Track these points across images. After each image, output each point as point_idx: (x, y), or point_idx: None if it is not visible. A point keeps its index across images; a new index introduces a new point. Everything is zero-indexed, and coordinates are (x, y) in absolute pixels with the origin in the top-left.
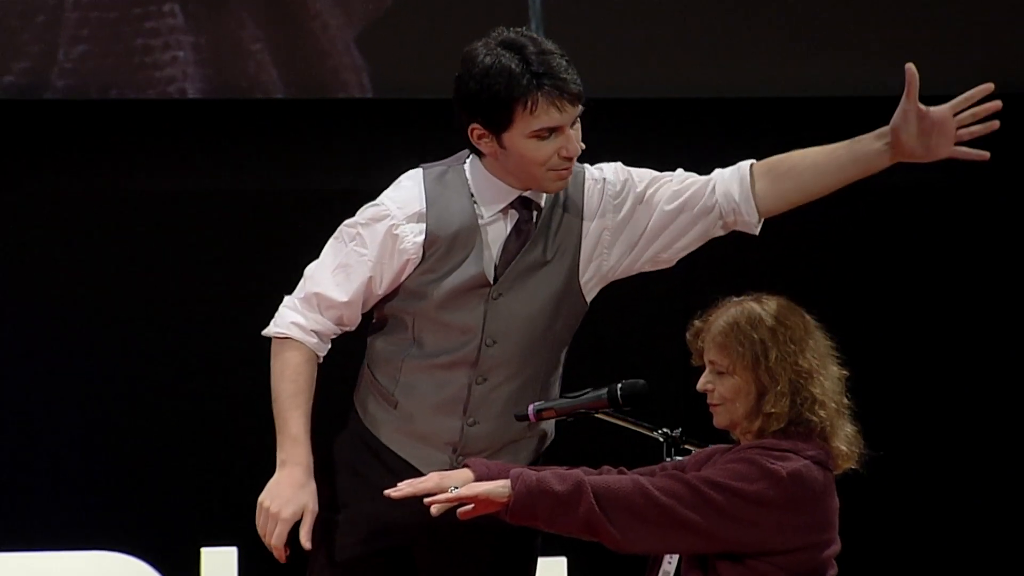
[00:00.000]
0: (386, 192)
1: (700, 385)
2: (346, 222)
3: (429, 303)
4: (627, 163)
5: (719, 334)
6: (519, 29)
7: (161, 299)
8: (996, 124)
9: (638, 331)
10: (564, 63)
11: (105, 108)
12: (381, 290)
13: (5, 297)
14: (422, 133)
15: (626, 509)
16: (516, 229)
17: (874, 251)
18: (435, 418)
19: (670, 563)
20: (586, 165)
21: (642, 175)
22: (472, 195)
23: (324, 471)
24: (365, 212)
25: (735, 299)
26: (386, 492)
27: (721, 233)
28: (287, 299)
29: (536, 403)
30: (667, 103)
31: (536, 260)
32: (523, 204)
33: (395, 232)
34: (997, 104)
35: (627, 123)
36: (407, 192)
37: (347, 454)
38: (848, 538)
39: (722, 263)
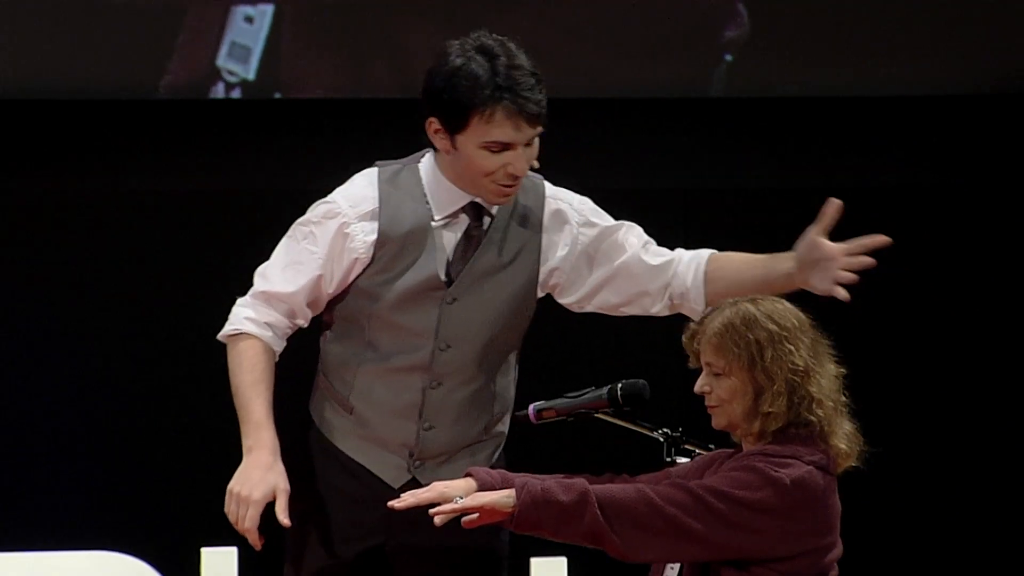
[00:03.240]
0: (339, 190)
1: (697, 387)
2: (299, 220)
3: (383, 305)
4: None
5: (714, 335)
6: (502, 37)
7: (162, 299)
8: (872, 262)
9: (638, 331)
10: (532, 81)
11: (106, 108)
12: (331, 289)
13: (5, 297)
14: None
15: (630, 519)
16: (466, 235)
17: (873, 250)
18: (391, 423)
19: (672, 569)
20: (546, 182)
21: (609, 220)
22: (425, 196)
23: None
24: (317, 210)
25: (730, 300)
26: (389, 504)
27: (664, 312)
28: (239, 300)
29: (536, 403)
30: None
31: (492, 265)
32: (474, 210)
33: (346, 231)
34: (871, 261)
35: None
36: (360, 191)
37: (306, 463)
38: (848, 538)
39: None
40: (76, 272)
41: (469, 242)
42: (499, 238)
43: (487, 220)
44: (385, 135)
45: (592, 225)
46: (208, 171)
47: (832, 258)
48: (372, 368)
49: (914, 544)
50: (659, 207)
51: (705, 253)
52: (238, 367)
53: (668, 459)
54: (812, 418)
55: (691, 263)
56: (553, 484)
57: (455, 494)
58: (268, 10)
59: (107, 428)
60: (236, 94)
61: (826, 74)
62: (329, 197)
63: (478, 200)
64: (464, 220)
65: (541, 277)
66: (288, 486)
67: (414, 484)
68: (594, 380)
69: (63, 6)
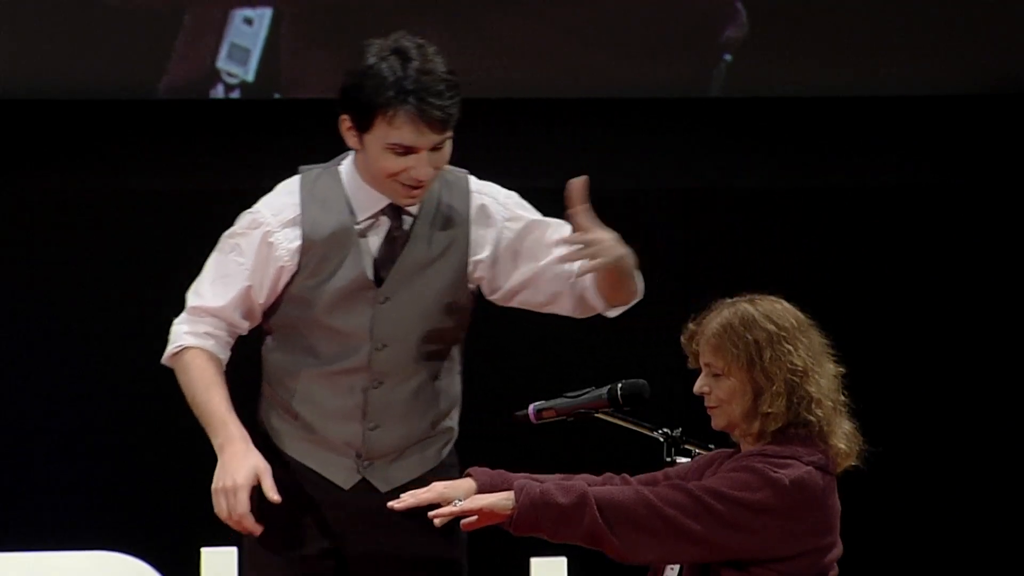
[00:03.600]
0: (263, 199)
1: (696, 388)
2: (225, 233)
3: (316, 310)
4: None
5: (713, 336)
6: (422, 40)
7: (162, 299)
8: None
9: (638, 331)
10: (442, 88)
11: (106, 108)
12: (262, 299)
13: (5, 297)
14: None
15: (629, 520)
16: (389, 235)
17: (870, 249)
18: (336, 425)
19: (672, 570)
20: (471, 176)
21: (535, 214)
22: (347, 198)
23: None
24: (241, 221)
25: (728, 300)
26: (389, 504)
27: (578, 314)
28: (178, 317)
29: (536, 403)
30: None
31: (420, 261)
32: (393, 211)
33: (270, 240)
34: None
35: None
36: (282, 199)
37: None
38: (848, 538)
39: (721, 263)
40: (76, 272)
41: (393, 242)
42: (426, 234)
43: (408, 220)
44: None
45: (517, 219)
46: (208, 171)
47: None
48: (313, 372)
49: (914, 544)
50: (659, 207)
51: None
52: (189, 380)
53: (668, 459)
54: (811, 418)
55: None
56: (552, 486)
57: (455, 495)
58: (267, 13)
59: (107, 428)
60: (236, 95)
61: (826, 74)
62: (253, 207)
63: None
64: (386, 222)
65: (469, 269)
66: (267, 465)
67: (364, 484)
68: (594, 380)
69: (63, 6)
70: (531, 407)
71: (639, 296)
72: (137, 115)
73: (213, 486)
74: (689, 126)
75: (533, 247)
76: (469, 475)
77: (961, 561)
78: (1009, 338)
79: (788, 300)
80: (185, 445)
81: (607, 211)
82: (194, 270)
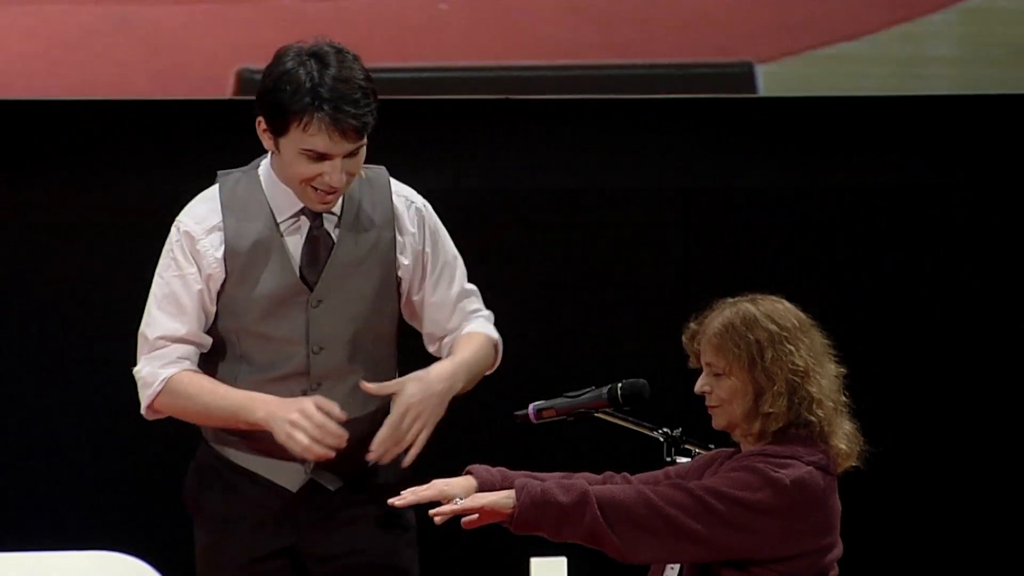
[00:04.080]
0: (185, 209)
1: (698, 387)
2: (161, 257)
3: (248, 318)
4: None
5: (714, 336)
6: (341, 46)
7: None
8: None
9: (638, 331)
10: (358, 96)
11: (106, 108)
12: (212, 306)
13: (5, 297)
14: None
15: (630, 519)
16: (310, 236)
17: (870, 249)
18: None
19: (672, 569)
20: (392, 179)
21: (446, 245)
22: (267, 201)
23: (192, 496)
24: (171, 237)
25: (730, 300)
26: (390, 501)
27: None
28: (139, 365)
29: (536, 403)
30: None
31: (350, 260)
32: (312, 211)
33: (197, 248)
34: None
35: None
36: (203, 206)
37: (206, 478)
38: (848, 538)
39: (722, 263)
40: (76, 272)
41: (315, 243)
42: (351, 234)
43: (331, 219)
44: (382, 134)
45: (435, 240)
46: (208, 171)
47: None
48: (250, 380)
49: (914, 544)
50: (659, 207)
51: (480, 327)
52: (188, 398)
53: (668, 459)
54: (812, 418)
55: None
56: (552, 485)
57: (455, 493)
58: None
59: (107, 428)
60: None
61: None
62: (177, 219)
63: None
64: (306, 222)
65: (396, 268)
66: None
67: (313, 485)
68: (594, 380)
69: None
70: (531, 407)
71: (494, 367)
72: (138, 115)
73: (281, 438)
74: (689, 126)
75: (437, 281)
76: (470, 473)
77: (961, 561)
78: (1010, 338)
79: (788, 300)
80: (185, 445)
81: (607, 211)
82: None
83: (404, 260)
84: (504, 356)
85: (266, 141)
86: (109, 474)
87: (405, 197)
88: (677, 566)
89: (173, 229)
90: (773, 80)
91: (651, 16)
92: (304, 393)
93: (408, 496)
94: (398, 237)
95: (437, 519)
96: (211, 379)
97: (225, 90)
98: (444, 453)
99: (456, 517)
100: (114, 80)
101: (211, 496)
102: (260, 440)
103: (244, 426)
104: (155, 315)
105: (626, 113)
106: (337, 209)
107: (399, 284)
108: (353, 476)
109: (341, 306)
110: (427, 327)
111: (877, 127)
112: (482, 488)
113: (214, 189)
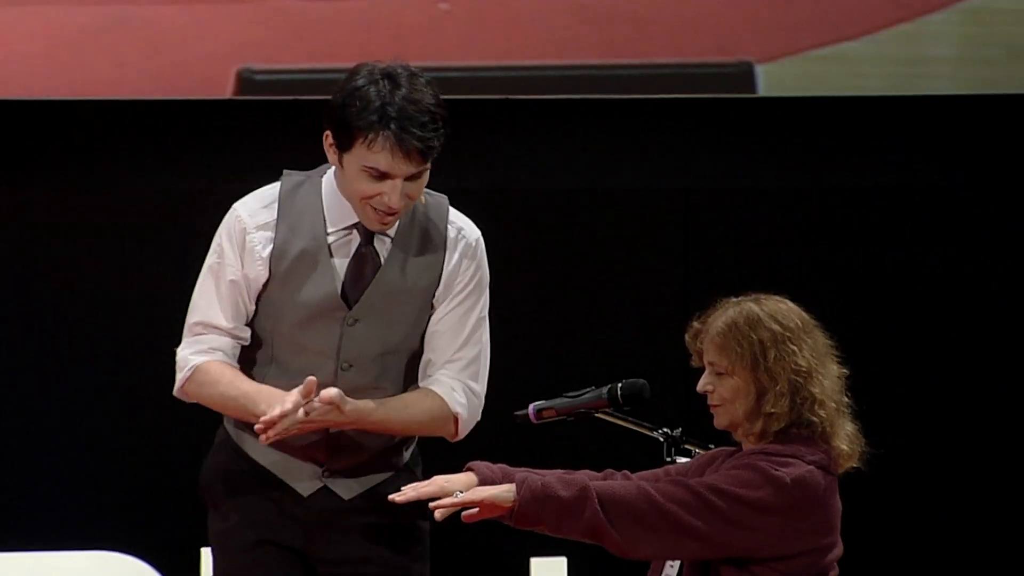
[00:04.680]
0: (244, 199)
1: (700, 386)
2: (213, 240)
3: (284, 323)
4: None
5: (717, 335)
6: (415, 69)
7: (162, 299)
8: None
9: (638, 331)
10: (426, 120)
11: (108, 108)
12: (252, 300)
13: (5, 297)
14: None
15: (630, 515)
16: (357, 253)
17: (870, 249)
18: (299, 434)
19: (672, 567)
20: (451, 208)
21: (481, 291)
22: (323, 210)
23: (207, 489)
24: (225, 221)
25: (733, 300)
26: (390, 497)
27: None
28: (180, 348)
29: (536, 403)
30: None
31: (394, 286)
32: (365, 228)
33: (246, 241)
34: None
35: None
36: (259, 202)
37: (222, 469)
38: (849, 538)
39: (722, 263)
40: (76, 272)
41: (362, 260)
42: (400, 259)
43: (384, 240)
44: None
45: (472, 275)
46: (208, 171)
47: None
48: (276, 382)
49: (914, 544)
50: (659, 207)
51: (449, 397)
52: (212, 386)
53: (668, 459)
54: (814, 419)
55: (434, 390)
56: (553, 479)
57: (455, 488)
58: None
59: (107, 428)
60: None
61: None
62: (234, 205)
63: None
64: (356, 238)
65: (435, 298)
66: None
67: (324, 492)
68: (594, 380)
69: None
70: (531, 407)
71: (453, 438)
72: (138, 115)
73: (269, 416)
74: (689, 126)
75: (453, 309)
76: (470, 469)
77: (961, 561)
78: (1010, 339)
79: (790, 300)
80: (186, 445)
81: (607, 211)
82: (195, 270)
83: (442, 288)
84: (504, 356)
85: (331, 155)
86: (109, 474)
87: (459, 228)
88: (677, 563)
89: (229, 214)
90: (773, 80)
91: (651, 16)
92: None
93: (409, 492)
94: (445, 267)
95: (437, 513)
96: (235, 371)
97: (225, 90)
98: (445, 453)
99: (456, 512)
100: (114, 80)
101: (226, 487)
102: (280, 440)
103: (252, 419)
104: (196, 300)
105: (626, 113)
106: (392, 231)
107: (433, 310)
108: (368, 486)
109: (376, 328)
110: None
111: (877, 127)
112: (482, 483)
113: (276, 187)
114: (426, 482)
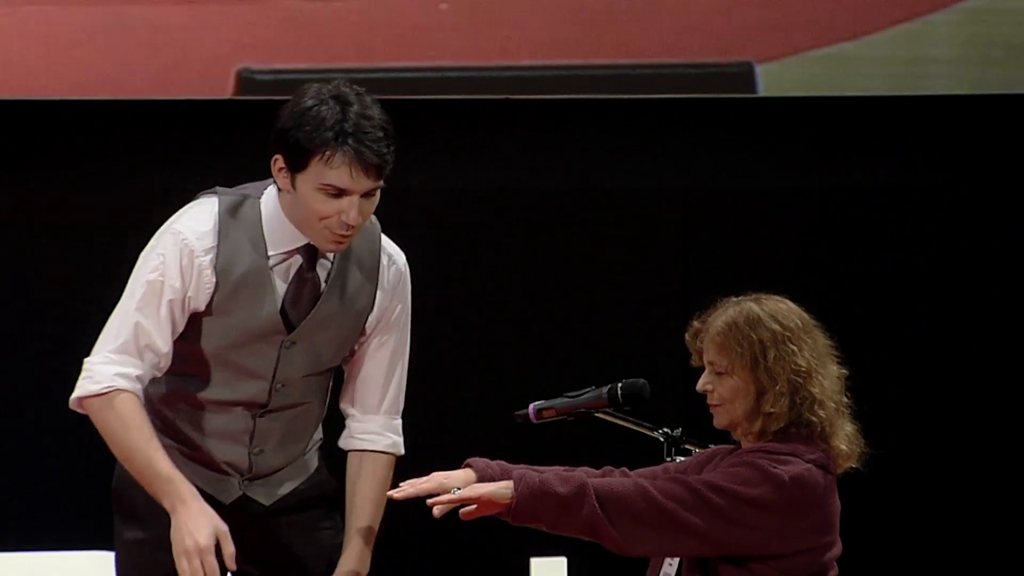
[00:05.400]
0: (181, 219)
1: (699, 386)
2: (143, 253)
3: (220, 345)
4: None
5: (718, 334)
6: (360, 89)
7: None
8: None
9: (638, 331)
10: (380, 135)
11: (107, 108)
12: (183, 321)
13: (5, 297)
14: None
15: (628, 512)
16: (298, 276)
17: (870, 250)
18: (221, 447)
19: (671, 565)
20: (382, 234)
21: (407, 316)
22: (263, 233)
23: (120, 497)
24: (163, 240)
25: (733, 299)
26: (388, 493)
27: None
28: (96, 357)
29: (536, 403)
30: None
31: (332, 311)
32: (308, 253)
33: (195, 264)
34: None
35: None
36: (202, 222)
37: (138, 485)
38: (848, 538)
39: (722, 263)
40: (77, 272)
41: (301, 285)
42: (339, 287)
43: (325, 265)
44: None
45: (401, 309)
46: (208, 171)
47: None
48: (205, 399)
49: (914, 544)
50: (659, 207)
51: (385, 448)
52: (125, 427)
53: (668, 459)
54: (813, 419)
55: (372, 436)
56: (551, 476)
57: (453, 485)
58: None
59: None
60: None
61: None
62: (175, 226)
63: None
64: (297, 261)
65: (366, 322)
66: (224, 524)
67: (244, 499)
68: (594, 380)
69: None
70: (531, 407)
71: None
72: (137, 115)
73: (175, 549)
74: (689, 126)
75: (380, 347)
76: (468, 465)
77: (961, 561)
78: (1010, 339)
79: (791, 300)
80: None
81: (607, 211)
82: None
83: (375, 314)
84: (504, 356)
85: (281, 180)
86: (109, 474)
87: (390, 255)
88: (676, 562)
89: (169, 235)
90: (773, 80)
91: (651, 16)
92: (254, 417)
93: (407, 488)
94: (378, 293)
95: (436, 510)
96: (151, 425)
97: (225, 90)
98: (444, 452)
99: (455, 511)
100: (114, 80)
101: (143, 496)
102: (198, 450)
103: (150, 492)
104: (130, 312)
105: (626, 113)
106: (331, 256)
107: (364, 335)
108: (288, 490)
109: (312, 349)
110: (349, 383)
111: (877, 127)
112: (481, 480)
113: (213, 206)
114: (424, 478)
